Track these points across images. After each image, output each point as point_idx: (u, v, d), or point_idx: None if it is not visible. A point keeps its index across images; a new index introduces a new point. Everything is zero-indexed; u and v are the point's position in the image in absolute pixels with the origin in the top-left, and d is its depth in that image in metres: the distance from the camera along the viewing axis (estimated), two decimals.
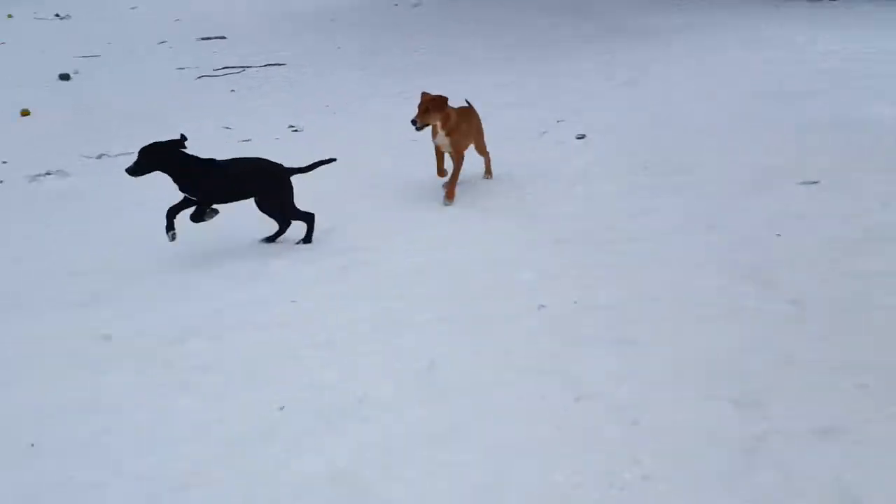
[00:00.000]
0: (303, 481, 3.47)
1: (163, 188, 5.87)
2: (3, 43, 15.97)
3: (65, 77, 12.96)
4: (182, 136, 5.60)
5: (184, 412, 4.02)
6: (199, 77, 12.73)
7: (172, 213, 5.73)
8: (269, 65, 13.41)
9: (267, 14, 17.93)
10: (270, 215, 6.07)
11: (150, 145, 5.54)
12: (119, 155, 8.65)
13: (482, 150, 7.20)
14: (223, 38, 15.85)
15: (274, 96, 11.51)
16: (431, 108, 6.42)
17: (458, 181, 6.72)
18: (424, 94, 6.55)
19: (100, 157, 8.70)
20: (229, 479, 3.52)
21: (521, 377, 4.06)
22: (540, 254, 5.54)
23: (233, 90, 11.95)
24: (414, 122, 6.36)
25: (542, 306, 4.72)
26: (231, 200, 5.87)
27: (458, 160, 6.75)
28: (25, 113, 10.85)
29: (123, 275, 5.76)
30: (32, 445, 3.84)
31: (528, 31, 14.40)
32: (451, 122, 6.59)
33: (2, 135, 9.78)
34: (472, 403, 3.88)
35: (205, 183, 5.67)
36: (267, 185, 5.93)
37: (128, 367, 4.49)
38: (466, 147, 6.89)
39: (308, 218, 6.07)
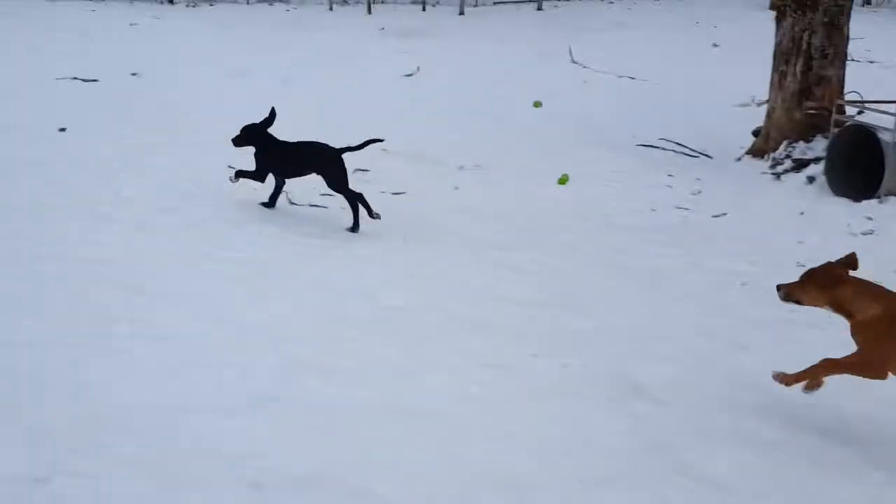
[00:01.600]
0: None
1: None
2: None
3: None
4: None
5: None
6: None
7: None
8: None
9: None
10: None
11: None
12: None
13: None
14: None
15: None
16: (815, 285, 4.21)
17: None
18: (828, 265, 4.26)
19: None
20: None
21: None
22: None
23: None
24: (779, 288, 4.36)
25: None
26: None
27: (848, 368, 4.14)
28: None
29: None
30: None
31: None
32: (863, 313, 4.08)
33: None
34: None
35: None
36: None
37: None
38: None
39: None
